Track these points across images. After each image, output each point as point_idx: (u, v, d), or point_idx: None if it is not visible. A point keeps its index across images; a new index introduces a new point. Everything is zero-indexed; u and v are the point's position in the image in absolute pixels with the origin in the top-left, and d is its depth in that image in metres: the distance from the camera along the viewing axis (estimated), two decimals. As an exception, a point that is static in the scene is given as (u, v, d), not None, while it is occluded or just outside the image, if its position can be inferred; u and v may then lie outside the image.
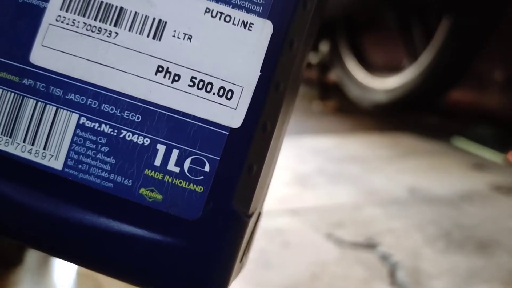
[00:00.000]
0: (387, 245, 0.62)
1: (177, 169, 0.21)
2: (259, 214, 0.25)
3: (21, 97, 0.22)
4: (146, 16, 0.22)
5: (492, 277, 0.56)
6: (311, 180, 0.85)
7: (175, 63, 0.21)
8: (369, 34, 1.39)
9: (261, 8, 0.22)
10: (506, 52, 1.18)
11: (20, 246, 0.55)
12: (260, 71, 0.21)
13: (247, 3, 0.22)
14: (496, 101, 1.22)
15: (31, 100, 0.22)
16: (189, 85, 0.21)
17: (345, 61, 1.38)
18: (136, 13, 0.22)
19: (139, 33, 0.22)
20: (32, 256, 0.53)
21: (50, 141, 0.22)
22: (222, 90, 0.21)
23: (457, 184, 0.88)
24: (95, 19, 0.22)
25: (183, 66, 0.21)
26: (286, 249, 0.59)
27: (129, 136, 0.21)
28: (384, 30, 1.35)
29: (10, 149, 0.22)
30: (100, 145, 0.21)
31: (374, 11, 1.32)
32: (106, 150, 0.21)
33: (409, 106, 1.21)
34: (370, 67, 1.35)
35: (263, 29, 0.22)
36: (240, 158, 0.21)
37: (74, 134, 0.21)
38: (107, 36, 0.22)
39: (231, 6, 0.22)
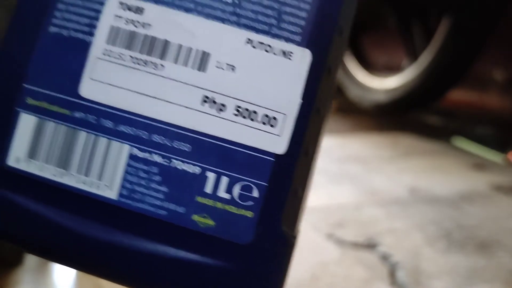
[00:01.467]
0: (387, 245, 0.62)
1: (227, 196, 0.22)
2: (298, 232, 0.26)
3: (74, 129, 0.22)
4: (190, 48, 0.22)
5: (493, 277, 0.56)
6: (311, 180, 0.85)
7: (220, 93, 0.22)
8: (369, 34, 1.39)
9: (300, 37, 0.22)
10: (506, 52, 1.18)
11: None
12: (301, 98, 0.22)
13: (286, 32, 0.22)
14: (496, 101, 1.22)
15: (83, 132, 0.22)
16: (234, 114, 0.22)
17: (345, 61, 1.39)
18: (180, 45, 0.22)
19: (184, 65, 0.22)
20: (32, 256, 0.53)
21: (104, 171, 0.22)
22: (266, 118, 0.22)
23: (458, 184, 0.88)
24: (141, 52, 0.22)
25: (228, 96, 0.22)
26: (287, 249, 0.59)
27: (179, 165, 0.22)
28: (384, 30, 1.35)
29: (66, 180, 0.22)
30: (152, 175, 0.22)
31: (375, 11, 1.32)
32: (159, 179, 0.22)
33: (409, 106, 1.21)
34: (370, 67, 1.35)
35: (303, 57, 0.22)
36: (286, 182, 0.22)
37: (127, 165, 0.22)
38: (154, 69, 0.22)
39: (270, 36, 0.22)
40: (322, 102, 0.23)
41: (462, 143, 1.13)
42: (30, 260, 0.53)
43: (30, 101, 0.22)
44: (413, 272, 0.56)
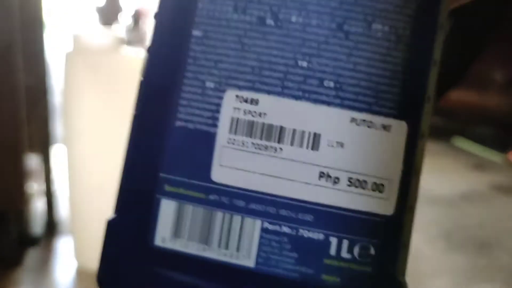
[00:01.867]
0: (387, 245, 0.62)
1: (349, 256, 0.25)
2: None
3: (210, 210, 0.26)
4: (303, 131, 0.26)
5: (493, 277, 0.56)
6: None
7: (333, 168, 0.26)
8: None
9: (396, 111, 0.26)
10: (506, 52, 1.18)
11: (20, 246, 0.55)
12: (402, 165, 0.25)
13: (384, 109, 0.25)
14: (496, 101, 1.22)
15: (219, 212, 0.26)
16: (347, 185, 0.25)
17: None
18: (294, 130, 0.26)
19: (300, 146, 0.26)
20: (32, 256, 0.53)
21: (241, 244, 0.26)
22: (375, 185, 0.25)
23: (458, 184, 0.88)
24: (261, 139, 0.26)
25: (340, 170, 0.25)
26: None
27: (306, 233, 0.25)
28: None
29: (208, 254, 0.26)
30: (283, 243, 0.26)
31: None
32: (289, 247, 0.25)
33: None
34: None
35: (400, 129, 0.25)
36: (397, 238, 0.26)
37: (260, 237, 0.26)
38: (273, 152, 0.26)
39: (371, 113, 0.26)
40: (419, 163, 0.26)
41: (462, 143, 1.13)
42: (30, 260, 0.53)
43: (168, 188, 0.26)
44: (413, 272, 0.55)
